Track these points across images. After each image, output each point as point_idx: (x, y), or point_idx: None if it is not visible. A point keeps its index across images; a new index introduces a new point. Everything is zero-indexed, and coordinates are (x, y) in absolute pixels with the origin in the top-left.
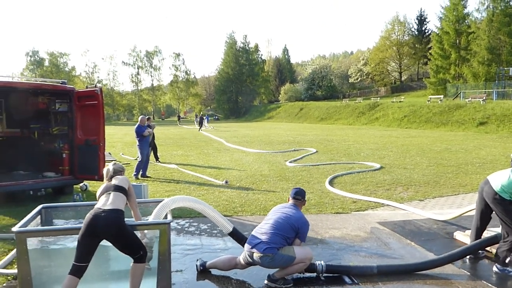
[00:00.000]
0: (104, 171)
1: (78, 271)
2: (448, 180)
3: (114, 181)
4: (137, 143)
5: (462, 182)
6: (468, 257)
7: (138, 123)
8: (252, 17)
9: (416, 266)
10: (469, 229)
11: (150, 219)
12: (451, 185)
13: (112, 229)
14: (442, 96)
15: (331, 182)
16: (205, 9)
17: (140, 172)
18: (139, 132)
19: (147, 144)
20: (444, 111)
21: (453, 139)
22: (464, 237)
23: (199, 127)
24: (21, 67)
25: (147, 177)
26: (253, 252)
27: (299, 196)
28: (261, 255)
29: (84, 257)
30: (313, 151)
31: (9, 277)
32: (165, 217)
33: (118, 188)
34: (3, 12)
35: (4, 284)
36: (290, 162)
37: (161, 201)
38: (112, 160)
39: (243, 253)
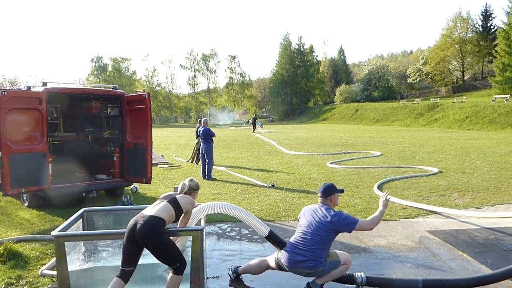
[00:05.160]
0: (181, 184)
1: (124, 275)
2: (510, 185)
3: (178, 196)
4: (205, 145)
5: None
6: None
7: (204, 125)
8: (308, 18)
9: (467, 281)
10: None
11: None
12: None
13: (147, 234)
14: (508, 95)
15: (381, 187)
16: (260, 11)
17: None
18: (211, 134)
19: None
20: (510, 112)
21: None
22: None
23: (252, 129)
24: (86, 72)
25: (213, 179)
26: (299, 270)
27: (323, 194)
28: (312, 271)
29: (128, 262)
30: (377, 154)
31: (54, 279)
32: (199, 223)
33: (173, 202)
34: (74, 20)
35: (49, 286)
36: (337, 163)
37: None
38: (164, 163)
39: (275, 258)
